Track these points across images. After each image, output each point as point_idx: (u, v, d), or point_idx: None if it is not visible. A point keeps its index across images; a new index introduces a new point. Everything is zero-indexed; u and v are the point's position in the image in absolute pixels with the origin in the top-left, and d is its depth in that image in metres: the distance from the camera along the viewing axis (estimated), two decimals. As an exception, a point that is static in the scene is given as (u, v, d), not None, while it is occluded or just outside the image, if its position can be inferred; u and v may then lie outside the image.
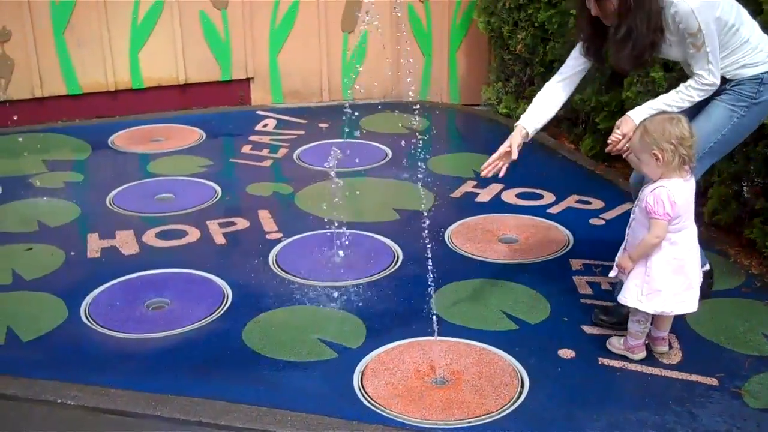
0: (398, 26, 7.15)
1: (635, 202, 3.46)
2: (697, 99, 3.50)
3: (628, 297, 3.41)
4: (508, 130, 6.18)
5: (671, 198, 3.22)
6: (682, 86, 3.51)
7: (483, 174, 3.78)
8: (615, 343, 3.63)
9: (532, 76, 6.45)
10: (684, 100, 3.50)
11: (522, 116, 3.83)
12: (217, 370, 3.55)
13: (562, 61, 5.86)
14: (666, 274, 3.33)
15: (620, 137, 3.54)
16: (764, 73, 3.52)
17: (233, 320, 3.90)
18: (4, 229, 4.87)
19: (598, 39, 3.67)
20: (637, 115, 3.52)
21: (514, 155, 3.73)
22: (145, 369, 3.57)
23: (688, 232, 3.35)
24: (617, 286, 3.70)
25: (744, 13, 3.56)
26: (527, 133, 3.77)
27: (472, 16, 6.95)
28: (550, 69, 6.17)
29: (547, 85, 3.85)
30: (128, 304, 4.04)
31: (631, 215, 3.46)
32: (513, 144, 3.72)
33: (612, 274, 3.54)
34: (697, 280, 3.40)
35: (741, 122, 3.58)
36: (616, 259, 3.49)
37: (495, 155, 3.76)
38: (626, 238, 3.47)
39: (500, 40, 6.72)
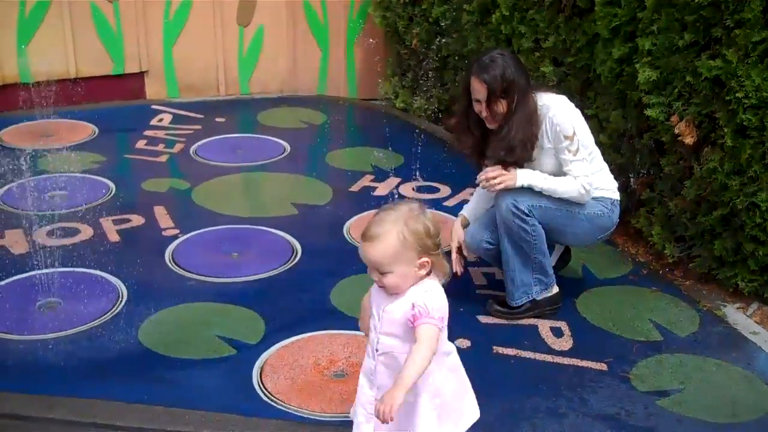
0: (294, 20, 7.14)
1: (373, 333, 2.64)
2: (572, 198, 3.70)
3: None
4: (405, 124, 6.35)
5: (443, 299, 2.57)
6: (578, 182, 3.67)
7: (458, 271, 3.93)
8: None
9: (427, 71, 6.52)
10: (564, 193, 3.67)
11: (465, 207, 4.10)
12: (112, 370, 3.49)
13: (455, 56, 6.05)
14: (453, 387, 2.71)
15: (495, 176, 3.67)
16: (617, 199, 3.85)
17: (129, 319, 3.84)
18: None
19: (482, 143, 3.82)
20: (524, 176, 3.67)
21: (466, 253, 3.96)
22: (38, 371, 3.48)
23: (455, 357, 2.74)
24: (511, 290, 3.83)
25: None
26: (468, 224, 3.99)
27: (368, 10, 6.99)
28: (444, 64, 6.28)
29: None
30: (19, 305, 3.93)
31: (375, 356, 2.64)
32: (460, 240, 3.93)
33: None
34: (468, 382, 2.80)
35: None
36: (360, 410, 2.69)
37: (454, 255, 3.92)
38: (373, 373, 2.64)
39: (396, 35, 6.78)
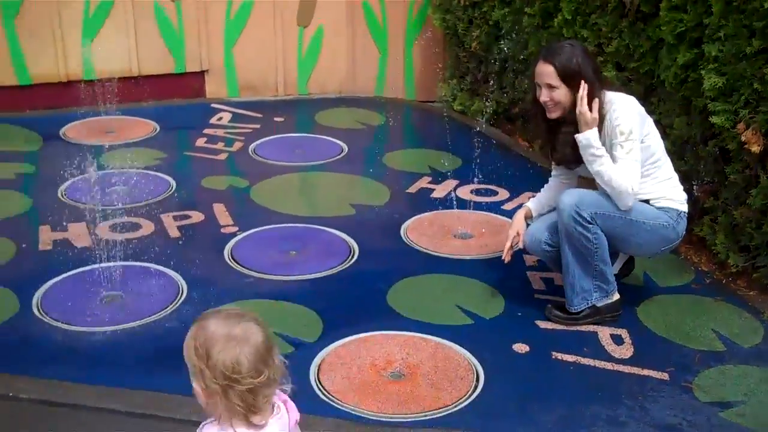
0: (353, 22, 7.16)
1: None
2: (616, 192, 3.59)
3: None
4: (463, 127, 6.33)
5: None
6: (620, 172, 3.58)
7: (506, 259, 3.92)
8: None
9: (486, 74, 6.49)
10: (611, 180, 3.57)
11: (532, 198, 4.05)
12: (172, 363, 3.46)
13: (516, 59, 6.02)
14: None
15: (587, 110, 3.59)
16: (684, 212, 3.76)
17: (188, 313, 3.87)
18: (-48, 220, 4.79)
19: (551, 135, 3.83)
20: (591, 137, 3.60)
21: (521, 245, 3.95)
22: (99, 362, 3.54)
23: None
24: (571, 296, 3.79)
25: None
26: (531, 216, 3.98)
27: (428, 12, 6.98)
28: (504, 67, 6.24)
29: (552, 181, 4.05)
30: (81, 297, 4.00)
31: None
32: (520, 231, 3.92)
33: None
34: None
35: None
36: None
37: (508, 243, 3.92)
38: None
39: (455, 38, 6.76)
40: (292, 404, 2.04)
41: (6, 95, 6.58)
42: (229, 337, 1.87)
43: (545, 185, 4.04)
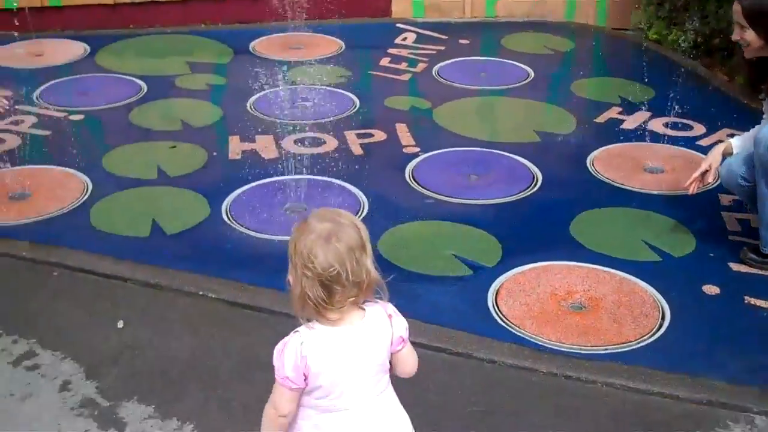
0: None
1: None
2: None
3: None
4: (658, 57, 6.02)
5: (301, 354, 1.96)
6: None
7: (691, 190, 3.80)
8: None
9: (687, 2, 6.11)
10: None
11: (737, 136, 3.82)
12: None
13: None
14: None
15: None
16: None
17: (368, 229, 3.89)
18: (148, 126, 5.00)
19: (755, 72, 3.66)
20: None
21: (711, 179, 3.79)
22: (281, 269, 3.59)
23: (347, 419, 2.01)
24: (765, 236, 3.56)
25: None
26: (731, 153, 3.73)
27: (627, -66, 6.63)
28: (708, -6, 5.86)
29: (764, 122, 3.75)
30: (267, 207, 4.11)
31: None
32: (713, 164, 3.73)
33: None
34: None
35: None
36: None
37: (697, 173, 3.76)
38: None
39: (656, -39, 6.39)
40: (398, 320, 2.07)
41: (200, 9, 6.76)
42: (314, 229, 1.96)
43: (755, 126, 3.76)
